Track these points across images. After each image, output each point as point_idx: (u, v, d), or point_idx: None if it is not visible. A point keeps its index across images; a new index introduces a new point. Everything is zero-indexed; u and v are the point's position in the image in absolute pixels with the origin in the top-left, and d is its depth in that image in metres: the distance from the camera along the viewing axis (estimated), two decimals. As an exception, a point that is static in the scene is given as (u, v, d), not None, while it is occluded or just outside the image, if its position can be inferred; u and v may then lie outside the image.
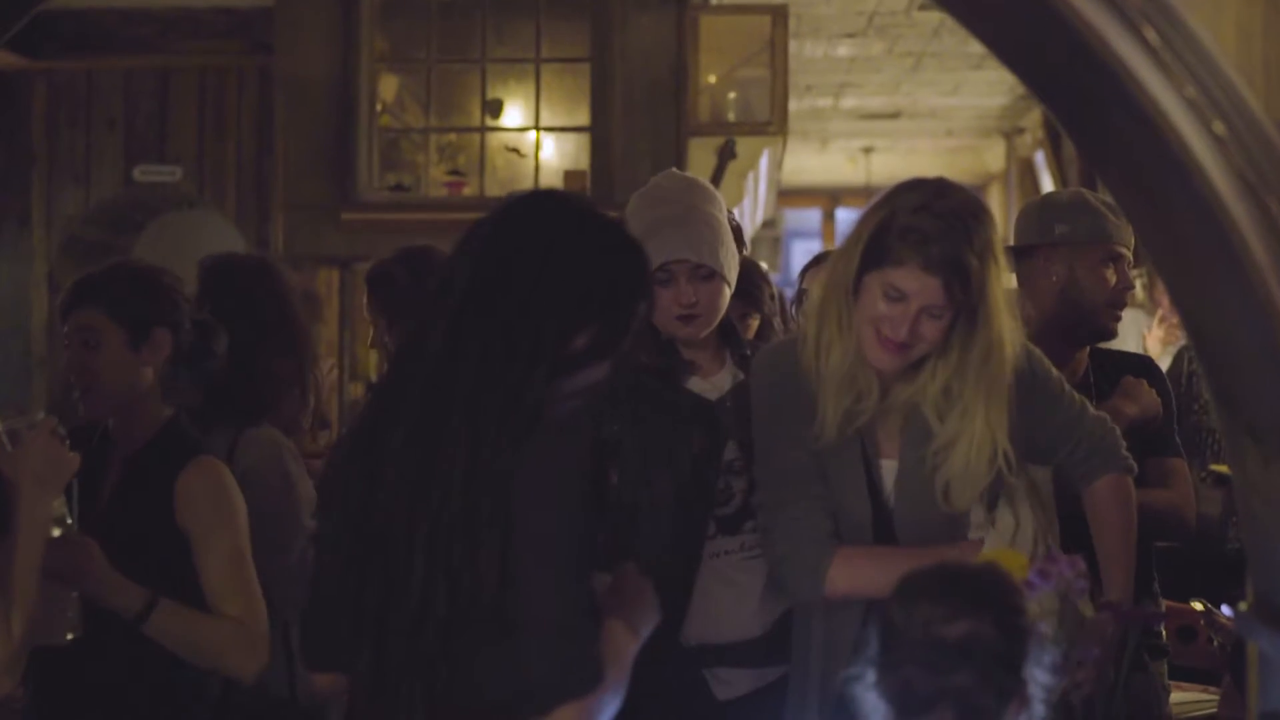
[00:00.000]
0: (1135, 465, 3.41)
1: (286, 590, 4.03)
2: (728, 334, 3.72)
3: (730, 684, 3.55)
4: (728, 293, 3.65)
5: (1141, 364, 4.27)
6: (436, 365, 2.56)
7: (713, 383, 3.67)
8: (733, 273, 3.67)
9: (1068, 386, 3.36)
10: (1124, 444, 3.40)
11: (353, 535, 2.60)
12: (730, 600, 3.56)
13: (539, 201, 2.68)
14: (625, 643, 2.64)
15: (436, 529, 2.51)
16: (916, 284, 3.05)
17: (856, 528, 3.20)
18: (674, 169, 3.90)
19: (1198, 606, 5.21)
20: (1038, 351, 3.33)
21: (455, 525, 2.50)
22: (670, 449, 3.52)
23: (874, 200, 3.18)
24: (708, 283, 3.60)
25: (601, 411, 3.48)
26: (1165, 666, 4.17)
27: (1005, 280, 3.14)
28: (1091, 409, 3.40)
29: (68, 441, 3.18)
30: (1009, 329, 3.12)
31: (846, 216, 18.28)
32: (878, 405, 3.19)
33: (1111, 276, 4.06)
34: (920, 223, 3.04)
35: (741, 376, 3.65)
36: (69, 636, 3.30)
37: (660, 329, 3.63)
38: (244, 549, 3.49)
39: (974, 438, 3.11)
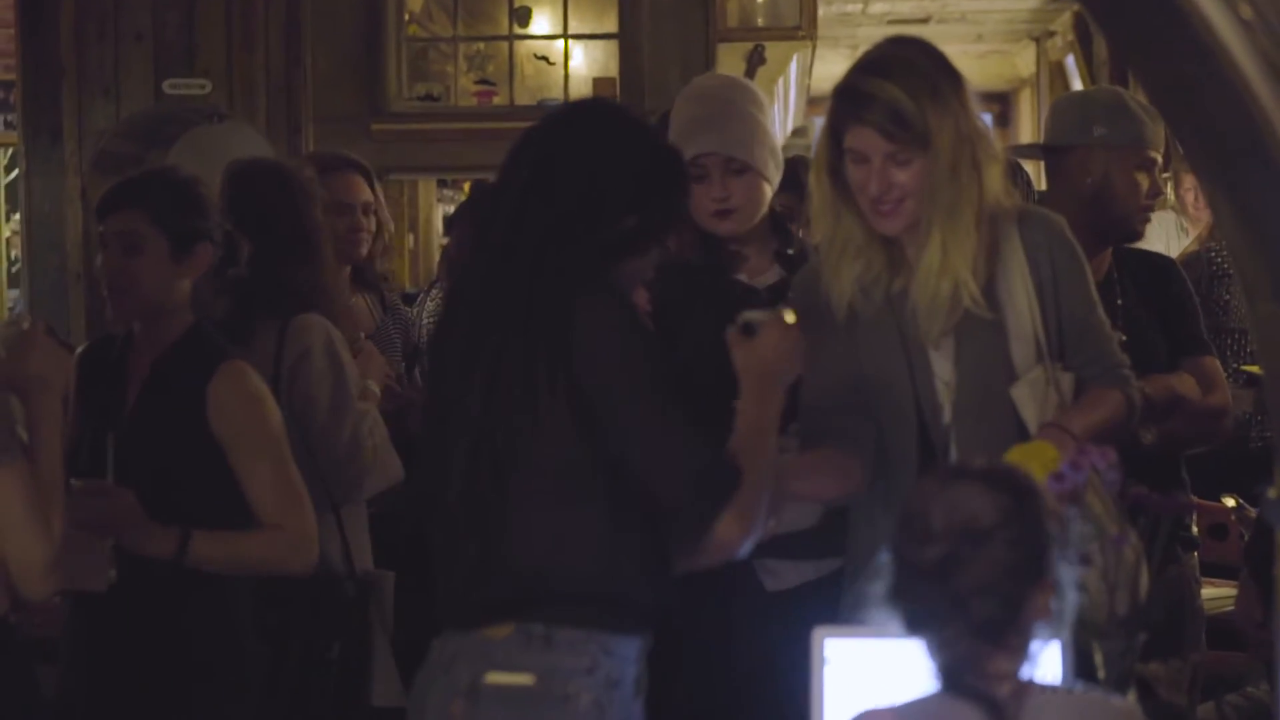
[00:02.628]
0: (1140, 402, 3.35)
1: (339, 471, 4.09)
2: (778, 231, 3.72)
3: (779, 575, 3.59)
4: (767, 189, 3.66)
5: (1162, 263, 4.27)
6: (502, 246, 2.78)
7: (760, 281, 3.70)
8: (772, 170, 3.67)
9: (1100, 305, 3.34)
10: (1136, 384, 3.36)
11: (433, 402, 2.87)
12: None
13: (585, 106, 3.03)
14: (756, 434, 2.84)
15: (494, 374, 2.70)
16: (863, 140, 3.12)
17: (897, 409, 3.22)
18: (717, 72, 3.94)
19: (1229, 503, 5.23)
20: (1078, 247, 3.33)
21: (515, 370, 2.70)
22: (713, 336, 3.55)
23: None
24: (741, 177, 3.62)
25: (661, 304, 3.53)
26: (1196, 559, 4.19)
27: (960, 114, 3.15)
28: (1118, 340, 3.38)
29: (61, 341, 3.19)
30: (965, 161, 3.14)
31: (877, 123, 18.19)
32: (894, 274, 3.21)
33: (1144, 181, 4.06)
34: (850, 82, 3.15)
35: (785, 274, 3.66)
36: (108, 584, 3.34)
37: (702, 225, 3.64)
38: (283, 450, 3.52)
39: (932, 264, 3.14)
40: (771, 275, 3.71)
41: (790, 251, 3.70)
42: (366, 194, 5.01)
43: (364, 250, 4.93)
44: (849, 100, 3.13)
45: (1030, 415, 3.19)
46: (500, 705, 2.72)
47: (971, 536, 2.39)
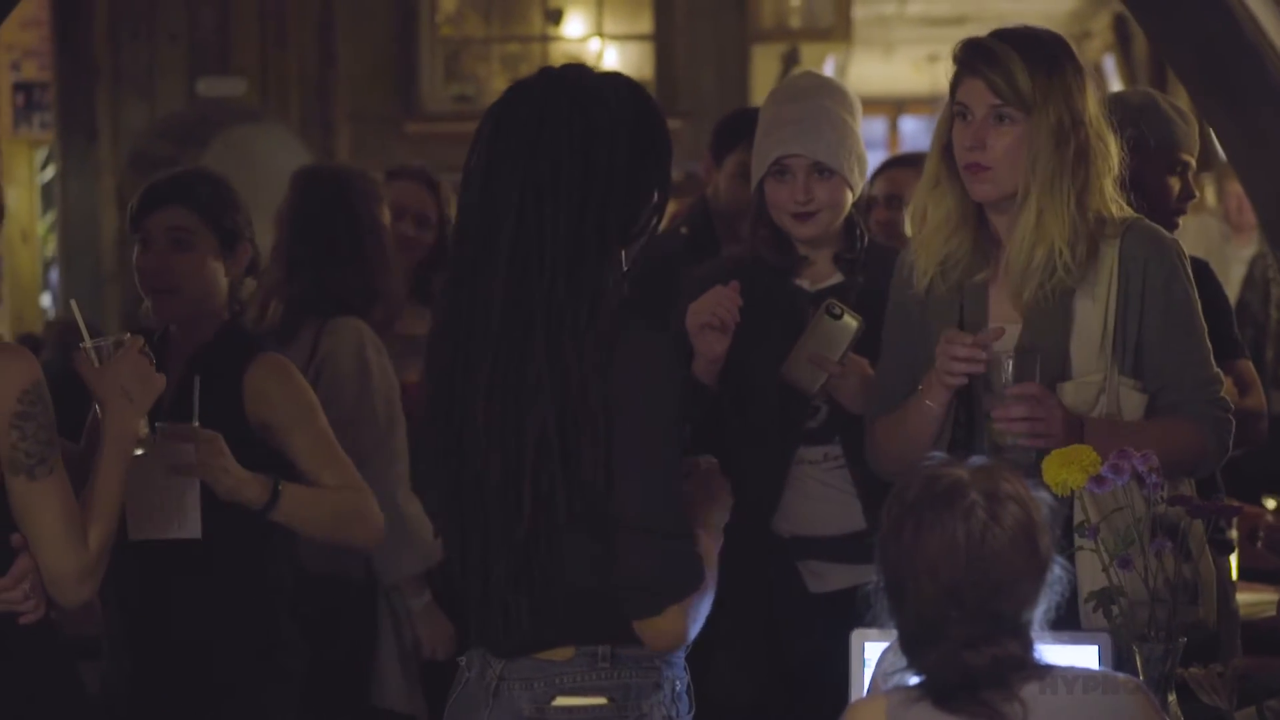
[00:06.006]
0: (1227, 447, 3.26)
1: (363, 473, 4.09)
2: (847, 236, 3.68)
3: (823, 577, 3.56)
4: (849, 195, 3.61)
5: (1197, 267, 4.21)
6: (507, 284, 2.53)
7: (819, 285, 3.66)
8: (856, 176, 3.63)
9: (1197, 333, 3.26)
10: (1231, 427, 3.20)
11: (445, 438, 2.61)
12: (822, 494, 3.58)
13: (557, 85, 2.60)
14: (711, 544, 2.66)
15: (543, 442, 2.51)
16: (969, 93, 3.15)
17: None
18: (812, 69, 3.90)
19: (1270, 504, 5.18)
20: (1185, 270, 3.27)
21: (554, 449, 2.51)
22: (772, 337, 3.53)
23: None
24: (826, 181, 3.57)
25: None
26: (1230, 562, 4.16)
27: (1077, 98, 3.15)
28: (1221, 378, 3.29)
29: (154, 361, 3.18)
30: (1073, 143, 3.14)
31: (912, 126, 18.13)
32: (978, 263, 3.20)
33: (1175, 184, 4.00)
34: (972, 40, 3.19)
35: (840, 279, 3.63)
36: (199, 533, 3.33)
37: (778, 224, 3.61)
38: (329, 431, 3.50)
39: (1026, 229, 3.12)
40: (832, 279, 3.68)
41: (851, 256, 3.66)
42: (425, 205, 4.93)
43: (414, 257, 4.89)
44: (966, 53, 3.17)
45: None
46: None
47: (1001, 599, 2.38)
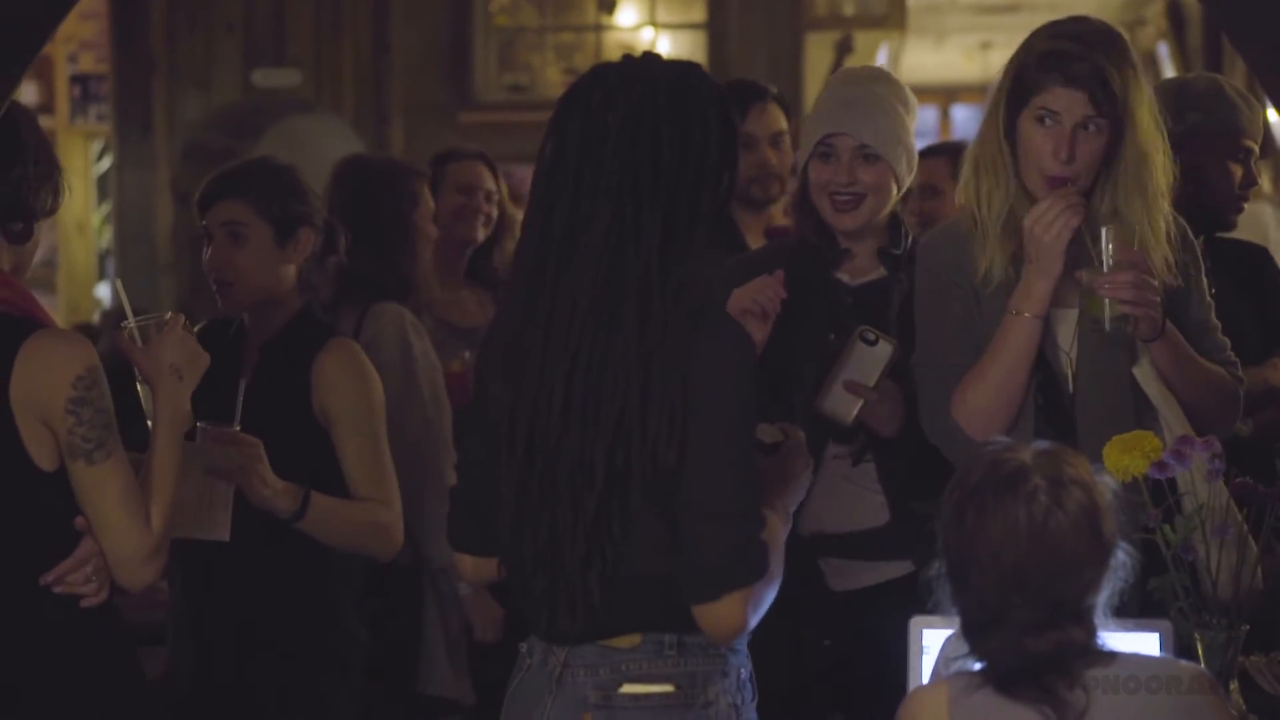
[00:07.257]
0: (1240, 409, 3.33)
1: (408, 456, 4.11)
2: (891, 231, 3.65)
3: (846, 575, 3.53)
4: (894, 187, 3.57)
5: (1256, 252, 4.20)
6: (599, 266, 2.56)
7: (860, 279, 3.63)
8: (903, 168, 3.59)
9: (1214, 307, 3.32)
10: (1242, 390, 3.34)
11: (516, 422, 2.61)
12: (845, 490, 3.55)
13: (642, 77, 2.62)
14: (780, 531, 2.66)
15: (622, 418, 2.53)
16: (1064, 100, 3.11)
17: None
18: (874, 65, 3.89)
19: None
20: (1193, 241, 3.30)
21: (634, 414, 2.52)
22: (808, 330, 3.51)
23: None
24: (870, 166, 3.53)
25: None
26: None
27: (1149, 97, 3.16)
28: (1228, 346, 3.35)
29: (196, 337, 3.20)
30: (1155, 140, 3.14)
31: (963, 115, 18.06)
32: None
33: (1238, 170, 3.98)
34: (1056, 45, 3.14)
35: (883, 274, 3.61)
36: (228, 536, 3.35)
37: (819, 209, 3.58)
38: (382, 432, 3.53)
39: (1134, 245, 3.11)
40: (874, 274, 3.65)
41: (896, 251, 3.62)
42: (489, 182, 5.01)
43: (478, 233, 4.94)
44: (1053, 62, 3.12)
45: (1154, 390, 3.16)
46: (640, 715, 2.62)
47: (1064, 584, 2.36)
